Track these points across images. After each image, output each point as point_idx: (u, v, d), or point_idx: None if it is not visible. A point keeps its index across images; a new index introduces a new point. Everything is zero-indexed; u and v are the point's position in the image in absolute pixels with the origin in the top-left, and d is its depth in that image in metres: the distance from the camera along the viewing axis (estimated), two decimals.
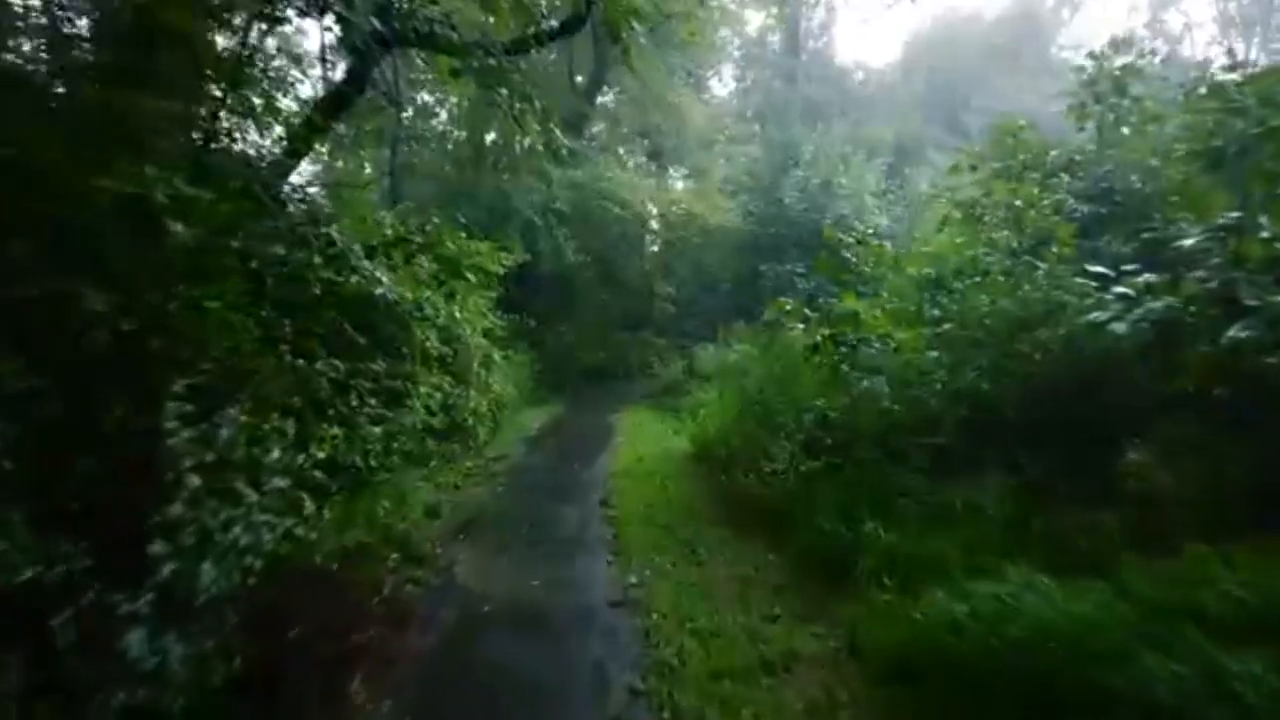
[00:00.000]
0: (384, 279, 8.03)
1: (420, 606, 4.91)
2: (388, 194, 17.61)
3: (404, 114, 20.04)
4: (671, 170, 25.06)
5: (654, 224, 22.66)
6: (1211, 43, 33.71)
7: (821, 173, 18.20)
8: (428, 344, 9.19)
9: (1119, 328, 4.44)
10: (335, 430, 6.82)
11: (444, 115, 23.30)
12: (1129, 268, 5.56)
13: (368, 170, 21.64)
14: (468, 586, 5.29)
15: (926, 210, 13.90)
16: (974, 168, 8.37)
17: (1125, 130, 8.43)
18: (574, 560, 5.86)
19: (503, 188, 19.39)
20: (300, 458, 5.87)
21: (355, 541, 6.23)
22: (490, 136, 21.64)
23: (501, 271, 12.53)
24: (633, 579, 5.29)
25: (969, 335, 5.84)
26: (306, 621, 4.02)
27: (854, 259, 7.13)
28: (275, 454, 4.86)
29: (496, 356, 13.22)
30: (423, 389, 8.98)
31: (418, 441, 9.00)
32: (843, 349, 6.88)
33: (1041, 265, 6.17)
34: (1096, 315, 4.65)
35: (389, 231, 7.81)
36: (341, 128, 19.07)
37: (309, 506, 5.99)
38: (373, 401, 7.57)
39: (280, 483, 4.82)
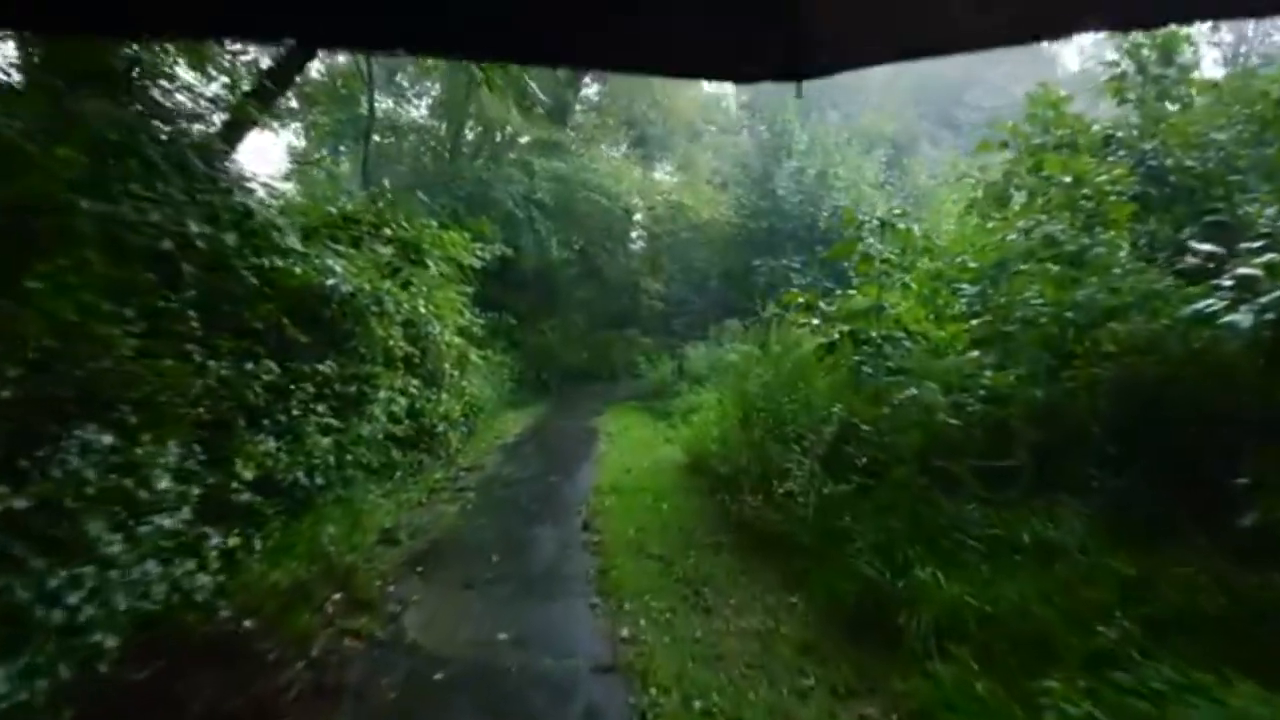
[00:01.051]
0: (338, 268, 7.01)
1: (355, 673, 3.87)
2: (361, 183, 16.48)
3: (376, 101, 19.05)
4: (658, 162, 24.06)
5: (640, 217, 21.65)
6: None
7: (817, 163, 17.25)
8: (391, 342, 8.16)
9: (1240, 319, 3.50)
10: (271, 444, 5.79)
11: (422, 106, 22.30)
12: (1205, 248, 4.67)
13: (344, 165, 20.63)
14: (418, 643, 4.26)
15: (936, 199, 13.03)
16: (1005, 144, 7.44)
17: (1169, 105, 7.55)
18: (551, 604, 4.84)
19: (482, 177, 18.35)
20: (213, 480, 4.84)
21: (290, 579, 5.20)
22: (469, 123, 20.68)
23: (477, 264, 11.56)
24: (624, 632, 4.27)
25: (1041, 331, 4.86)
26: (183, 712, 2.99)
27: (878, 245, 6.16)
28: (164, 483, 3.81)
29: (473, 356, 12.20)
30: (383, 393, 7.95)
31: (379, 452, 7.98)
32: (864, 348, 5.93)
33: (1099, 247, 5.23)
34: (1208, 305, 3.70)
35: (333, 210, 6.72)
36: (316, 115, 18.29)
37: (230, 541, 5.00)
38: (320, 408, 6.52)
39: (169, 521, 3.79)
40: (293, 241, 5.44)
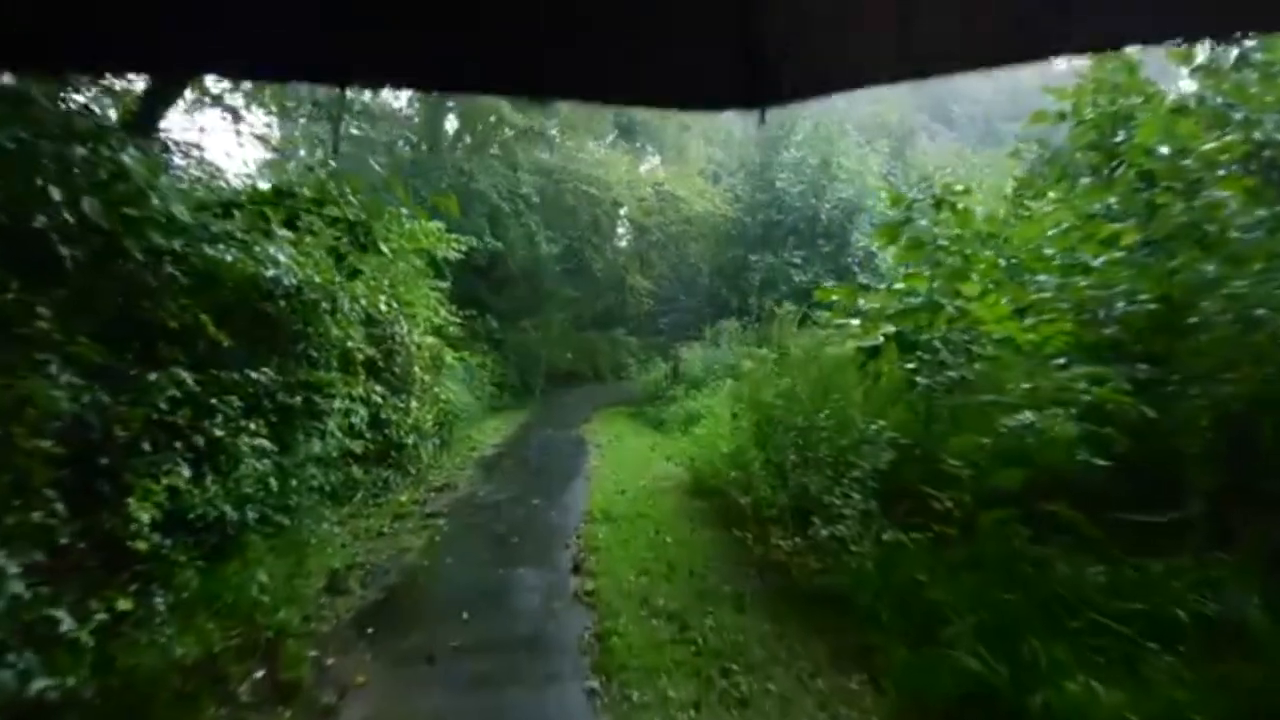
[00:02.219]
0: (281, 256, 5.84)
1: None
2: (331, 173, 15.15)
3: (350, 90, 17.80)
4: (647, 153, 22.92)
5: (626, 210, 20.52)
6: None
7: (819, 153, 16.19)
8: (350, 344, 7.01)
9: None
10: (185, 472, 4.63)
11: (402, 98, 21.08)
12: None
13: (318, 154, 19.30)
14: None
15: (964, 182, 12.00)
16: (1064, 115, 6.40)
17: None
18: (537, 690, 3.71)
19: (464, 169, 17.16)
20: (98, 527, 3.71)
21: (199, 651, 4.05)
22: (449, 115, 19.50)
23: (452, 256, 10.42)
24: None
25: (1141, 332, 3.81)
26: None
27: (933, 228, 5.08)
28: None
29: (448, 358, 11.04)
30: (338, 403, 6.79)
31: (336, 472, 6.83)
32: (920, 355, 4.86)
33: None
34: None
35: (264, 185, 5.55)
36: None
37: (119, 605, 3.86)
38: (253, 425, 5.35)
39: None
40: (181, 212, 4.26)
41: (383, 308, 7.14)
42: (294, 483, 5.90)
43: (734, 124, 24.43)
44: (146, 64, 1.44)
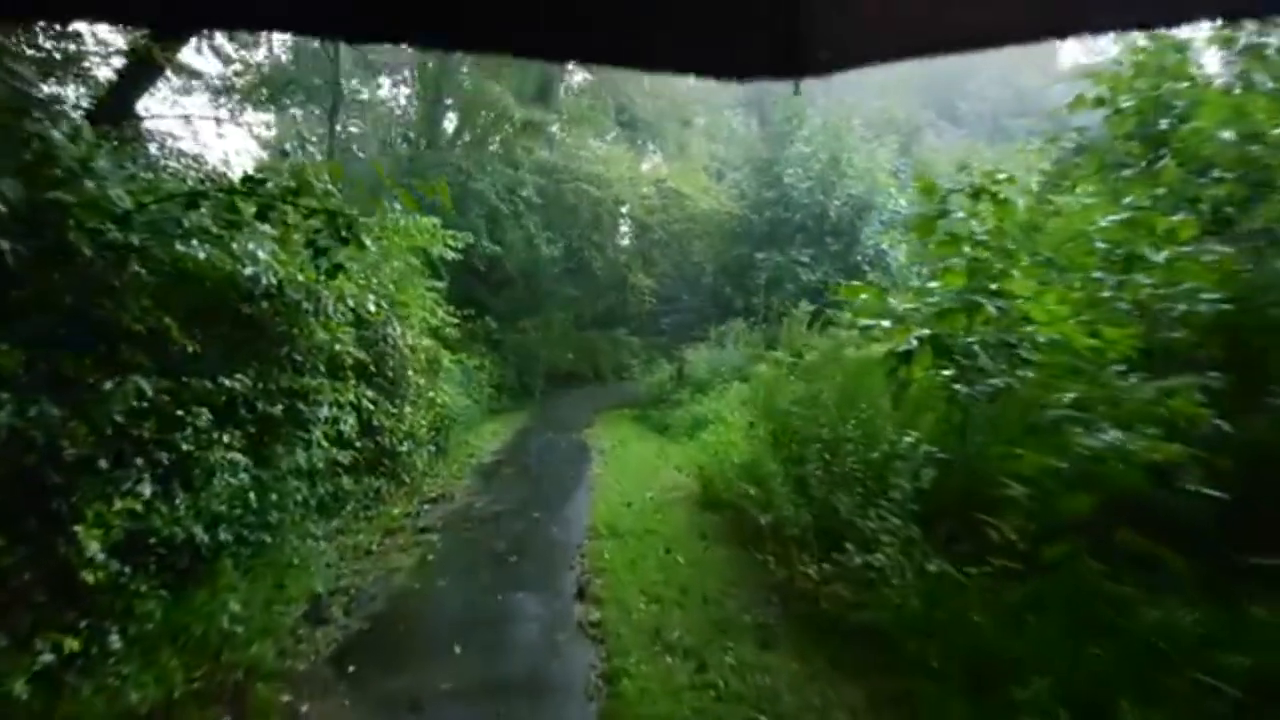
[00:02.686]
0: (261, 253, 5.40)
1: None
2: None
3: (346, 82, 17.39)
4: (649, 150, 22.44)
5: (627, 208, 20.04)
6: None
7: (828, 148, 15.70)
8: (339, 347, 6.57)
9: None
10: (147, 490, 4.19)
11: (400, 96, 20.70)
12: None
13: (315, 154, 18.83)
14: None
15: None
16: (1102, 100, 5.95)
17: None
18: None
19: (462, 166, 16.68)
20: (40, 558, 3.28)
21: (158, 696, 3.61)
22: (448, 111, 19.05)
23: (449, 255, 9.97)
24: None
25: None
26: None
27: (972, 222, 4.61)
28: None
29: (445, 360, 10.59)
30: (325, 410, 6.35)
31: (324, 483, 6.39)
32: (959, 360, 4.41)
33: None
34: None
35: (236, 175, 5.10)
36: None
37: (69, 645, 3.43)
38: (227, 437, 4.91)
39: None
40: (119, 196, 3.82)
41: (371, 307, 6.66)
42: (275, 498, 5.45)
43: (737, 120, 23.96)
44: (149, 13, 1.24)
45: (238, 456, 4.87)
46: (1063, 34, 1.02)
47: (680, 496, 7.22)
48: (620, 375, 18.17)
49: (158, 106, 11.91)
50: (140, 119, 7.56)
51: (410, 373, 8.50)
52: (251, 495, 5.15)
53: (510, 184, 16.76)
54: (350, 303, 6.42)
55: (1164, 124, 5.74)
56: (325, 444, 6.35)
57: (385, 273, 8.16)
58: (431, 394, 9.35)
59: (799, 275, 14.70)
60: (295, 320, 5.90)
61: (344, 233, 4.27)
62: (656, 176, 19.51)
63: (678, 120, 22.03)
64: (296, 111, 17.58)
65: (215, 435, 4.78)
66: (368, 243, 4.47)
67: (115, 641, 3.75)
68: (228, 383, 4.95)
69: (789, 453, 5.66)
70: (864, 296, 4.94)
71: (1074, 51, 31.82)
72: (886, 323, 4.76)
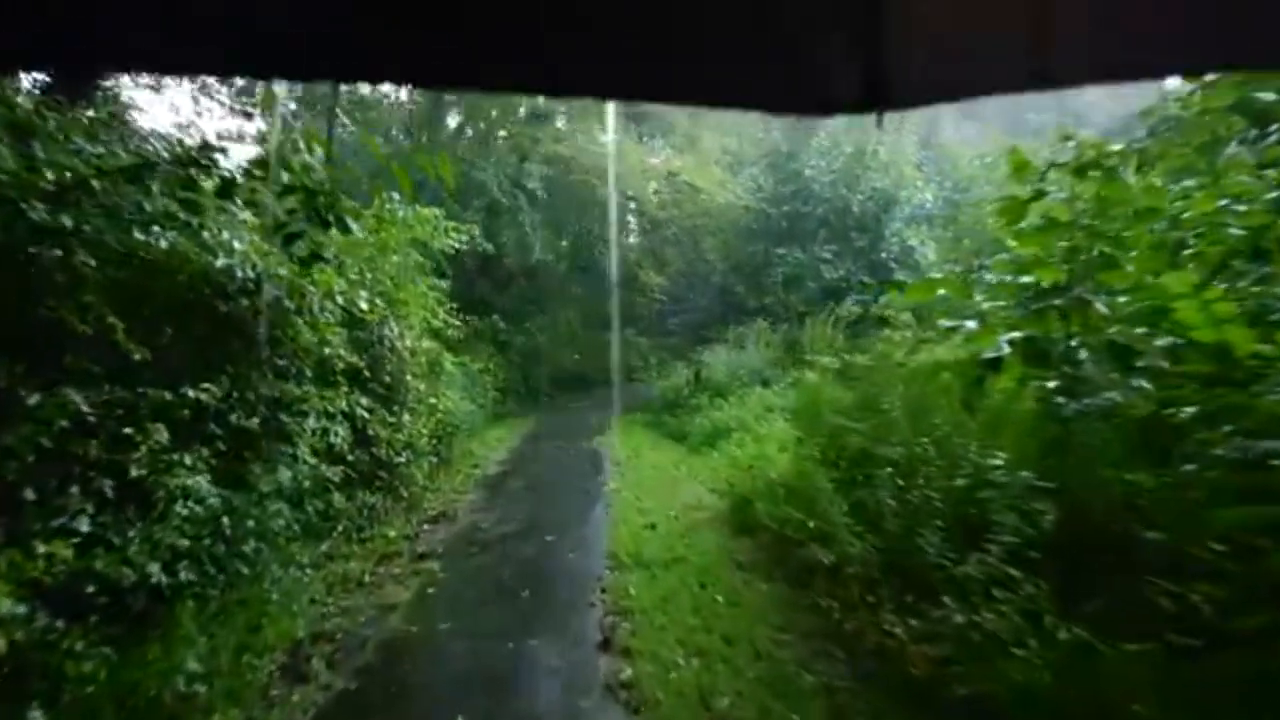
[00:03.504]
0: (236, 243, 4.69)
1: None
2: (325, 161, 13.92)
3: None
4: (659, 144, 21.66)
5: (635, 204, 19.28)
6: None
7: (852, 139, 14.91)
8: (328, 350, 5.86)
9: None
10: (85, 527, 3.48)
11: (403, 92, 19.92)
12: None
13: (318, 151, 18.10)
14: None
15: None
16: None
17: None
18: None
19: (464, 157, 15.97)
20: None
21: None
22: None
23: (451, 249, 9.27)
24: None
25: None
26: None
27: (1078, 203, 3.87)
28: None
29: (448, 364, 9.88)
30: (313, 421, 5.65)
31: (313, 500, 5.67)
32: (1065, 369, 3.67)
33: None
34: None
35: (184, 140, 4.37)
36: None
37: None
38: (190, 458, 4.18)
39: None
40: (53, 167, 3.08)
41: (364, 305, 5.94)
42: (251, 524, 4.72)
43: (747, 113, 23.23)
44: (120, 61, 1.17)
45: (201, 481, 4.14)
46: (1168, 72, 1.28)
47: (707, 517, 6.47)
48: (629, 377, 17.43)
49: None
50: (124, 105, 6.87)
51: (409, 377, 7.79)
52: (224, 521, 4.43)
53: (515, 176, 16.05)
54: (340, 300, 5.70)
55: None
56: (312, 459, 5.63)
57: (383, 268, 7.45)
58: (432, 400, 8.64)
59: (821, 273, 13.93)
60: (277, 319, 5.19)
61: (325, 214, 3.53)
62: (668, 170, 18.74)
63: (687, 112, 21.25)
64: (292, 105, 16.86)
65: (172, 456, 4.06)
66: (353, 226, 3.74)
67: (38, 718, 3.02)
68: (193, 393, 4.24)
69: (840, 473, 4.91)
70: (942, 291, 4.19)
71: None
72: (971, 323, 4.02)
